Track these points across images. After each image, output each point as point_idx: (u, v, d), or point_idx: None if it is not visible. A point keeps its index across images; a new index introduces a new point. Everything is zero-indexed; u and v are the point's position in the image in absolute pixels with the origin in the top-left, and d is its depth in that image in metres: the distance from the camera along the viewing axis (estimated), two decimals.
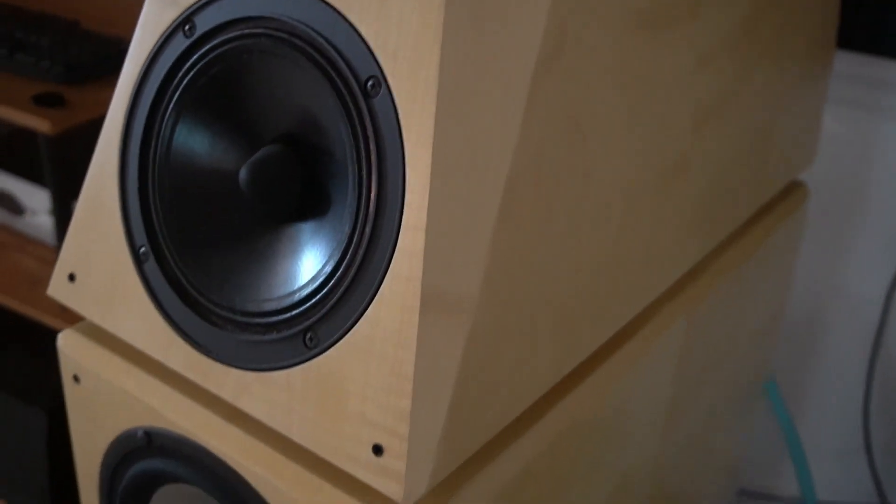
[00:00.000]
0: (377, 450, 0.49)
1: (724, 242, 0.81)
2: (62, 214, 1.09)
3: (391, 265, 0.47)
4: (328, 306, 0.50)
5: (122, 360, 0.62)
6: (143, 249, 0.58)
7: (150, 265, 0.58)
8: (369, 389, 0.49)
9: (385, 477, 0.49)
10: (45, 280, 1.21)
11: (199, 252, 0.56)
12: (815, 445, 1.31)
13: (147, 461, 0.63)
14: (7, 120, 1.03)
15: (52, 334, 1.36)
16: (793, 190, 0.93)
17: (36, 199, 1.25)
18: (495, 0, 0.47)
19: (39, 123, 1.00)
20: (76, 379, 0.65)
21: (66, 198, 1.08)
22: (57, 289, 0.63)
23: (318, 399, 0.51)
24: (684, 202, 0.68)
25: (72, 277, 0.62)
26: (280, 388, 0.53)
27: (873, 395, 1.29)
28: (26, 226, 1.29)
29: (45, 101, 1.03)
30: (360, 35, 0.48)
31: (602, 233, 0.59)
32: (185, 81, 0.54)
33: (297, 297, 0.52)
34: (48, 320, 1.14)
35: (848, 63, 1.09)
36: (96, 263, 0.60)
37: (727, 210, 0.76)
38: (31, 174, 1.26)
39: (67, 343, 0.65)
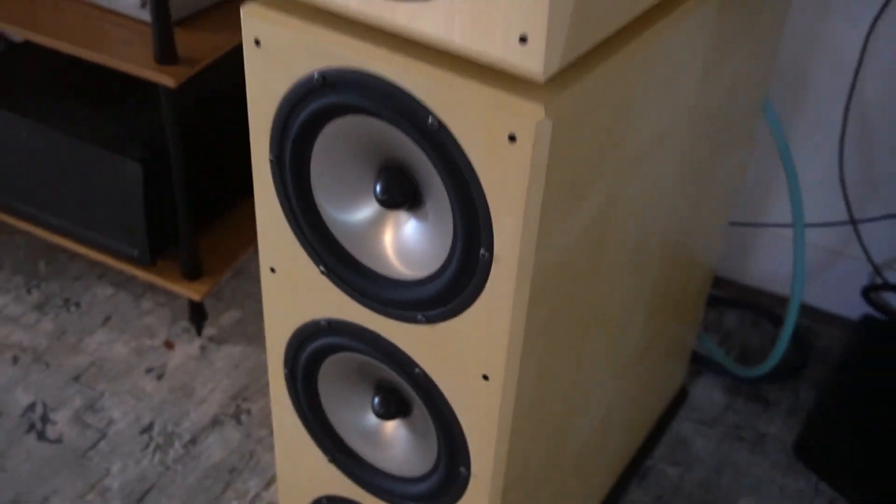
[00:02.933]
0: (523, 39, 0.69)
1: None
2: None
3: None
4: None
5: (300, 20, 0.82)
6: None
7: None
8: (515, 2, 0.69)
9: (529, 56, 0.69)
10: (137, 42, 1.38)
11: None
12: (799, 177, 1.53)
13: (320, 100, 0.82)
14: None
15: (144, 91, 1.51)
16: None
17: None
18: None
19: None
20: (257, 42, 0.84)
21: None
22: None
23: (475, 12, 0.71)
24: None
25: None
26: (443, 8, 0.72)
27: (848, 131, 1.52)
28: (110, 2, 1.44)
29: None
30: None
31: None
32: None
33: None
34: (145, 73, 1.32)
35: None
36: None
37: None
38: None
39: (250, 11, 0.83)
